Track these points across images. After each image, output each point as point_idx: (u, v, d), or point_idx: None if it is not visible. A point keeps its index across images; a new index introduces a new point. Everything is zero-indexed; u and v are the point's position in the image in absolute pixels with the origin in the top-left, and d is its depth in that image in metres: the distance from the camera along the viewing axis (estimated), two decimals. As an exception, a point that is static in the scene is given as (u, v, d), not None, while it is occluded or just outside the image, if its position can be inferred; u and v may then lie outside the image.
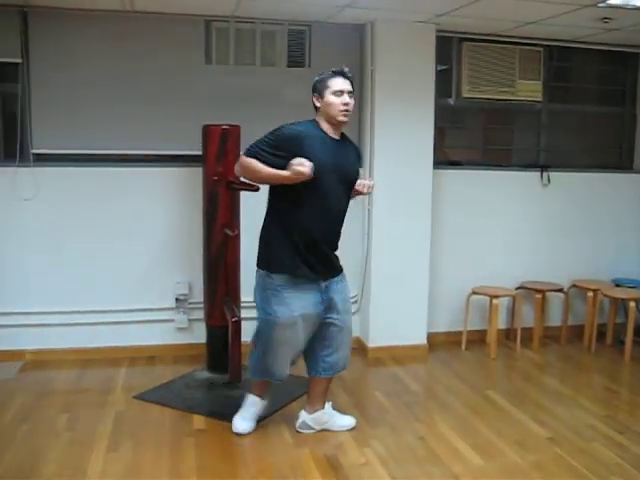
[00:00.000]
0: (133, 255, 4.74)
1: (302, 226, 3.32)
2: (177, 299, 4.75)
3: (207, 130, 4.26)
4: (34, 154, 4.54)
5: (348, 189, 3.45)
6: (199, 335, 4.72)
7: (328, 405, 3.71)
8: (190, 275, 4.76)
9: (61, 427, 3.65)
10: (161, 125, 4.64)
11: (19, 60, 4.46)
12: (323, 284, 3.44)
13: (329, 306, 3.46)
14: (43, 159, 4.58)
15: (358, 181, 3.49)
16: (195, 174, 4.52)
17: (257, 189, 3.93)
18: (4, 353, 4.60)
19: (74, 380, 4.39)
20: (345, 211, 3.48)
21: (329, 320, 3.48)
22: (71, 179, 4.63)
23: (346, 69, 3.39)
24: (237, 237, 4.20)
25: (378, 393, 4.28)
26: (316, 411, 3.66)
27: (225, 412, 3.84)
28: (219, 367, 4.37)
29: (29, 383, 4.33)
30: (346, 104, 3.30)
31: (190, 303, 4.78)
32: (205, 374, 4.43)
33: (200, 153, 4.36)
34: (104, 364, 4.63)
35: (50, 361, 4.63)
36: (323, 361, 3.56)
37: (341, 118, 3.32)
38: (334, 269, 3.52)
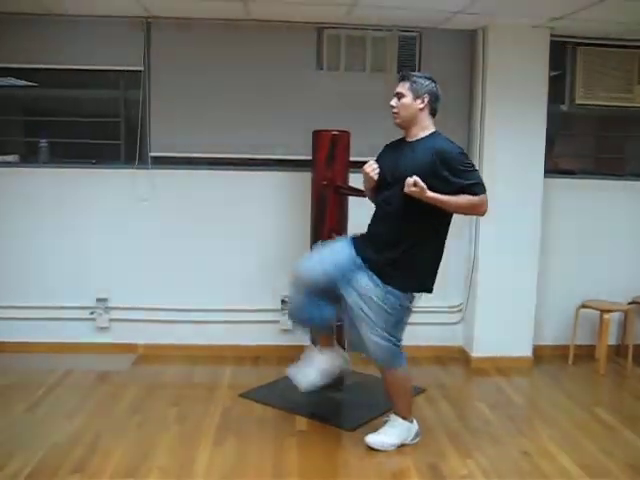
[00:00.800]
0: (242, 257, 4.87)
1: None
2: (282, 301, 4.83)
3: (317, 135, 4.32)
4: (152, 157, 4.76)
5: (400, 190, 3.30)
6: (302, 337, 4.82)
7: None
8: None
9: (171, 420, 3.80)
10: (272, 130, 4.77)
11: (141, 68, 4.71)
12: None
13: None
14: (160, 162, 4.79)
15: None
16: (303, 179, 4.61)
17: (365, 195, 3.98)
18: (120, 346, 4.86)
19: (183, 375, 4.56)
20: (404, 210, 3.32)
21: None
22: (185, 181, 4.83)
23: (403, 72, 3.48)
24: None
25: (481, 404, 4.21)
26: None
27: (326, 415, 3.93)
28: (321, 369, 4.45)
29: (142, 375, 4.53)
30: (391, 106, 3.41)
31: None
32: (308, 376, 4.49)
33: (309, 158, 4.44)
34: (211, 361, 4.78)
35: (161, 355, 4.85)
36: None
37: (393, 121, 3.42)
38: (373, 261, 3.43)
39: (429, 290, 3.49)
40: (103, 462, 3.27)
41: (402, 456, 3.45)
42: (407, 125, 3.42)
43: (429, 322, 4.91)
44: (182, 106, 4.73)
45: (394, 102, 3.41)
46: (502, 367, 4.83)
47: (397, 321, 3.44)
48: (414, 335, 4.87)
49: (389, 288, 3.37)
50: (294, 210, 4.82)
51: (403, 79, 3.42)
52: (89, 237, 4.83)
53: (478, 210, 3.37)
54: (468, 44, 4.87)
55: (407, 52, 4.85)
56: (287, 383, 4.37)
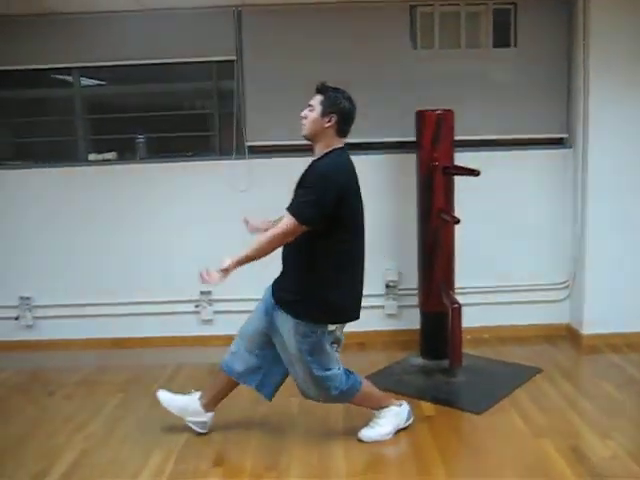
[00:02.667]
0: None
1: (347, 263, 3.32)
2: (387, 285, 4.79)
3: (422, 115, 4.24)
4: (249, 147, 4.74)
5: None
6: (408, 321, 4.77)
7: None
8: (400, 262, 4.79)
9: (295, 411, 3.75)
10: (370, 113, 4.55)
11: (234, 57, 4.67)
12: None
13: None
14: (257, 151, 4.77)
15: None
16: (404, 161, 4.56)
17: (478, 174, 3.89)
18: (224, 337, 4.79)
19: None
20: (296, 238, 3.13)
21: None
22: (283, 170, 4.73)
23: (321, 84, 3.27)
24: (452, 223, 4.15)
25: (604, 383, 4.08)
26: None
27: (450, 399, 3.87)
28: (433, 353, 4.38)
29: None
30: (300, 117, 3.23)
31: (400, 290, 4.81)
32: (419, 360, 4.43)
33: (409, 139, 4.38)
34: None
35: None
36: None
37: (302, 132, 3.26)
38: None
39: (343, 319, 3.26)
40: (241, 456, 3.27)
41: (540, 439, 3.35)
42: (312, 140, 3.24)
43: (533, 300, 4.84)
44: (277, 93, 4.67)
45: (304, 113, 3.23)
46: (615, 344, 4.68)
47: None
48: (519, 315, 4.87)
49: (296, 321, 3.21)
50: (396, 193, 4.76)
51: (319, 91, 3.24)
52: (189, 229, 4.82)
53: (282, 241, 3.13)
54: (566, 15, 4.68)
55: (502, 26, 4.70)
56: (401, 368, 4.36)
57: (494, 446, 3.33)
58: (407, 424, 3.50)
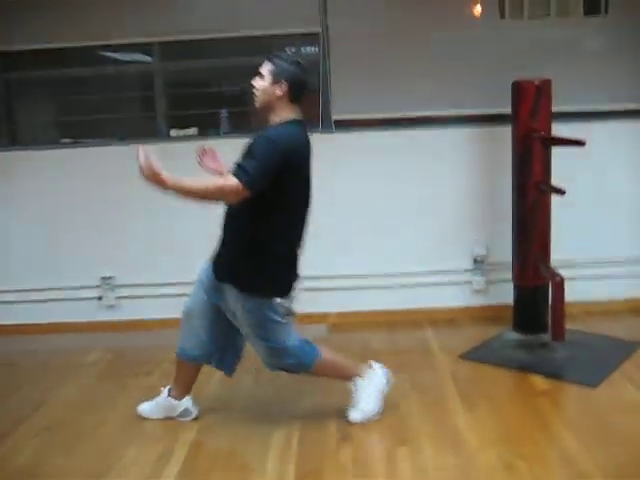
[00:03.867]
0: (433, 217, 4.73)
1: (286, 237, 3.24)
2: (475, 260, 4.72)
3: (519, 86, 4.11)
4: (335, 121, 4.65)
5: None
6: (495, 296, 4.71)
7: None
8: (488, 236, 4.71)
9: (407, 387, 3.67)
10: (460, 85, 4.58)
11: (318, 29, 4.58)
12: None
13: None
14: (343, 125, 4.67)
15: None
16: (496, 133, 4.51)
17: (583, 144, 3.81)
18: (310, 316, 4.70)
19: (387, 341, 4.47)
20: (237, 209, 3.05)
21: None
22: (372, 144, 4.67)
23: (271, 53, 3.15)
24: (557, 194, 4.07)
25: None
26: None
27: (561, 373, 3.81)
28: (529, 328, 4.29)
29: (346, 343, 4.39)
30: (251, 86, 3.13)
31: (488, 264, 4.74)
32: (514, 335, 4.33)
33: (501, 111, 4.31)
34: (406, 326, 4.67)
35: (352, 323, 4.76)
36: None
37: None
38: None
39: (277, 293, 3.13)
40: (369, 431, 3.23)
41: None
42: (264, 111, 3.13)
43: (626, 274, 4.75)
44: (363, 67, 4.57)
45: (254, 82, 3.12)
46: None
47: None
48: (610, 288, 4.74)
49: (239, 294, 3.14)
50: (488, 166, 4.66)
51: (268, 59, 3.12)
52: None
53: (217, 196, 2.92)
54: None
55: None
56: (499, 343, 4.30)
57: (620, 418, 3.26)
58: (389, 386, 3.40)
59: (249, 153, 2.97)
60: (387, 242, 4.76)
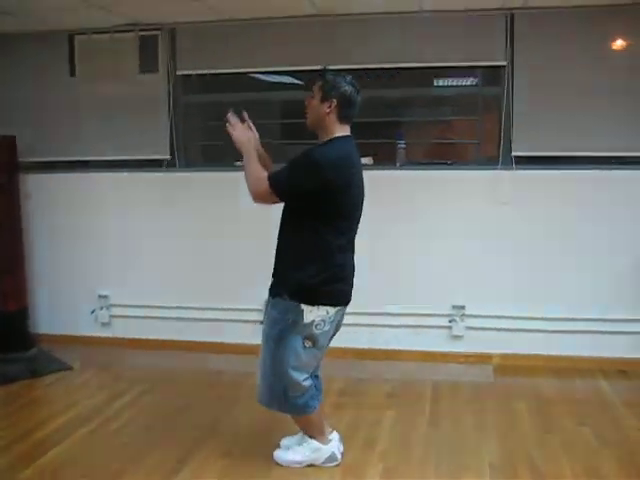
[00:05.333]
0: (610, 262, 4.51)
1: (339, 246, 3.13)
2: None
3: None
4: (515, 157, 4.53)
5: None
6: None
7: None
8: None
9: (586, 437, 3.50)
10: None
11: (504, 63, 4.48)
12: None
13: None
14: (523, 162, 4.54)
15: None
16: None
17: None
18: (474, 355, 4.69)
19: (557, 388, 4.29)
20: (287, 222, 3.09)
21: None
22: (550, 183, 4.53)
23: (322, 69, 3.09)
24: None
25: None
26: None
27: None
28: None
29: (518, 389, 4.28)
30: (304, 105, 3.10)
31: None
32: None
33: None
34: (575, 374, 4.46)
35: (516, 367, 4.58)
36: None
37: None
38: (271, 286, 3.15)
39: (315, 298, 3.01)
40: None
41: None
42: (315, 129, 3.06)
43: None
44: (545, 102, 4.45)
45: (307, 100, 3.06)
46: None
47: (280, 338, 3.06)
48: None
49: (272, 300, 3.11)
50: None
51: (319, 75, 3.05)
52: (446, 242, 4.64)
53: (252, 187, 3.02)
54: None
55: None
56: None
57: None
58: (325, 465, 3.26)
59: (290, 163, 3.01)
60: (560, 285, 4.56)
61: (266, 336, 3.13)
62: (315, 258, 3.02)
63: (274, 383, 3.12)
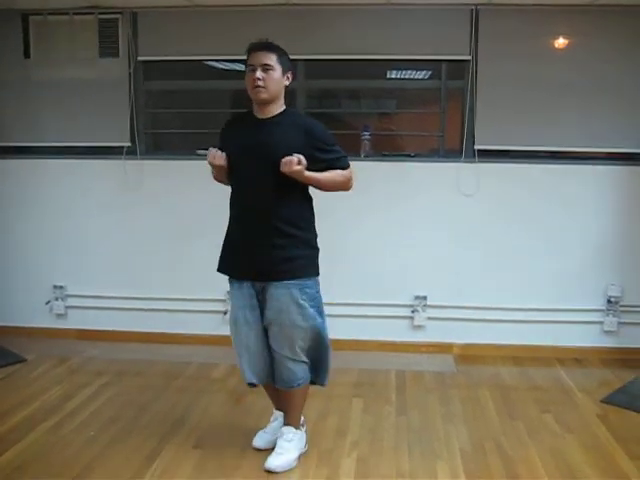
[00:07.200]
0: (566, 254, 4.63)
1: (230, 216, 3.19)
2: (609, 301, 4.61)
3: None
4: (478, 150, 4.60)
5: (273, 169, 2.98)
6: (627, 339, 4.62)
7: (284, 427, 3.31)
8: (623, 277, 4.62)
9: (555, 428, 3.57)
10: (605, 121, 4.50)
11: (468, 57, 4.54)
12: (258, 285, 3.11)
13: (262, 312, 3.15)
14: (486, 155, 4.62)
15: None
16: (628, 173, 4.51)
17: None
18: (435, 345, 4.76)
19: (520, 377, 4.37)
20: (274, 193, 3.02)
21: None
22: (512, 176, 4.63)
23: (264, 40, 3.05)
24: None
25: None
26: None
27: None
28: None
29: (478, 377, 4.35)
30: (257, 79, 2.97)
31: (622, 306, 4.63)
32: (656, 381, 4.26)
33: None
34: (533, 363, 4.58)
35: (478, 356, 4.67)
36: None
37: (255, 95, 3.01)
38: (268, 271, 3.07)
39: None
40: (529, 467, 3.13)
41: None
42: (271, 101, 3.04)
43: None
44: (508, 97, 4.53)
45: (260, 74, 2.97)
46: None
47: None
48: None
49: (293, 282, 3.07)
50: (629, 206, 4.58)
51: (269, 49, 3.01)
52: (409, 233, 4.69)
53: (347, 185, 3.17)
54: None
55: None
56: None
57: None
58: (306, 449, 3.32)
59: (332, 141, 3.10)
60: (517, 277, 4.67)
61: (307, 317, 3.08)
62: (314, 226, 3.18)
63: (329, 358, 3.26)
